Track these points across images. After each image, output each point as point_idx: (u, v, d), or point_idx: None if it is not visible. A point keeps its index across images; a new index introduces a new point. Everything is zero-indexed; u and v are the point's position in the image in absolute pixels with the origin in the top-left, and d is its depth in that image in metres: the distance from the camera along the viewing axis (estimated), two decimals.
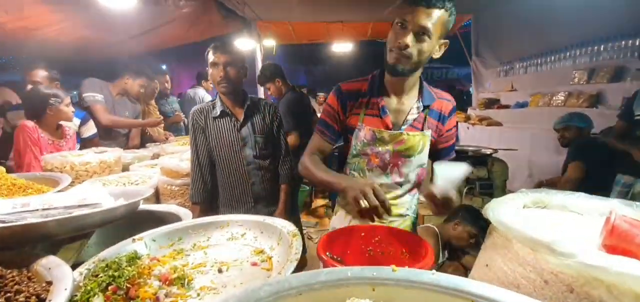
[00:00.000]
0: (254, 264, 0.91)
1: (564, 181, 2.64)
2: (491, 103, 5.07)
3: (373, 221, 1.00)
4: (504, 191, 2.71)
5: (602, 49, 3.34)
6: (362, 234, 1.11)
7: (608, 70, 3.15)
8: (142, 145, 3.21)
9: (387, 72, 1.24)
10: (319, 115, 3.67)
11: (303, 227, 3.45)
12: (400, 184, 1.31)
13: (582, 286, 0.70)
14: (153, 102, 3.60)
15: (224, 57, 1.62)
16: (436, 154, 1.36)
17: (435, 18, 1.09)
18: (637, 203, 0.95)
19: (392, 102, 1.28)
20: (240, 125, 1.72)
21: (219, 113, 1.71)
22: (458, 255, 2.09)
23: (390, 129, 1.26)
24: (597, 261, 0.67)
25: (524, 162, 3.77)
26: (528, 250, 0.82)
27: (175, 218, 1.37)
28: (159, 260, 0.93)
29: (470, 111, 5.56)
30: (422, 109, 1.28)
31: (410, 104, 1.28)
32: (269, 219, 1.05)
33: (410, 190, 1.35)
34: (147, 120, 3.29)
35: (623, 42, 3.11)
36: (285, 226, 0.97)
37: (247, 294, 0.61)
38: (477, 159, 2.77)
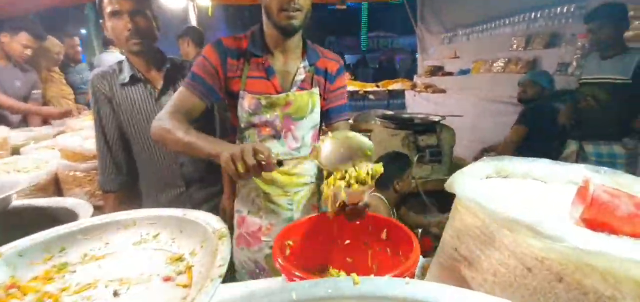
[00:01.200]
0: (167, 279, 0.67)
1: (505, 143, 2.77)
2: (436, 70, 5.16)
3: (258, 176, 0.86)
4: (451, 158, 2.73)
5: (538, 15, 3.48)
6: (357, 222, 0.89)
7: (544, 37, 3.29)
8: (45, 121, 2.64)
9: (279, 33, 1.10)
10: None
11: None
12: (297, 149, 1.21)
13: (572, 274, 0.59)
14: (57, 69, 2.96)
15: (128, 3, 1.23)
16: (326, 114, 1.28)
17: None
18: (605, 169, 0.89)
19: (277, 61, 1.16)
20: (159, 94, 1.38)
21: (128, 79, 1.34)
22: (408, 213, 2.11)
23: (278, 92, 1.15)
24: (591, 245, 0.56)
25: (467, 128, 3.90)
26: (505, 231, 0.70)
27: (71, 216, 1.06)
28: (20, 287, 0.64)
29: (416, 79, 5.63)
30: (308, 68, 1.19)
31: (295, 64, 1.18)
32: (191, 214, 0.80)
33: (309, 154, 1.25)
34: (48, 110, 2.66)
35: (558, 9, 3.24)
36: (211, 222, 0.74)
37: None
38: (426, 126, 2.74)
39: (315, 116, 1.22)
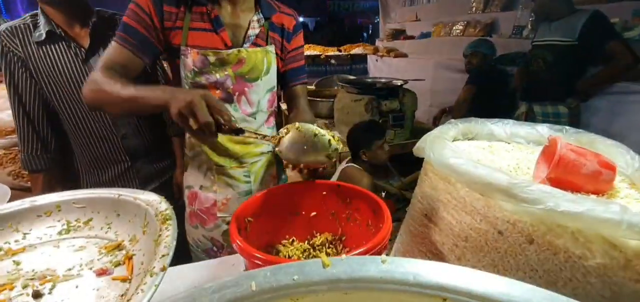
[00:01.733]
0: (102, 273, 0.57)
1: (457, 104, 2.89)
2: (397, 34, 5.12)
3: (213, 137, 0.74)
4: (413, 122, 2.76)
5: None
6: (324, 192, 0.84)
7: (501, 0, 3.34)
8: None
9: None
10: None
11: None
12: (253, 115, 1.07)
13: (544, 235, 0.58)
14: None
15: None
16: (283, 77, 1.15)
17: None
18: (567, 128, 0.89)
19: (225, 12, 1.00)
20: (87, 54, 1.17)
21: (45, 35, 1.11)
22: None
23: (228, 48, 0.99)
24: (568, 207, 0.54)
25: (427, 92, 3.95)
26: (477, 195, 0.68)
27: None
28: None
29: (378, 43, 5.57)
30: (262, 21, 1.05)
31: (247, 16, 1.03)
32: (128, 194, 0.68)
33: (266, 121, 1.12)
34: None
35: None
36: (153, 202, 0.63)
37: None
38: (389, 90, 2.72)
39: (272, 78, 1.09)
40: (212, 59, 0.97)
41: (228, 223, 1.09)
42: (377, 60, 5.09)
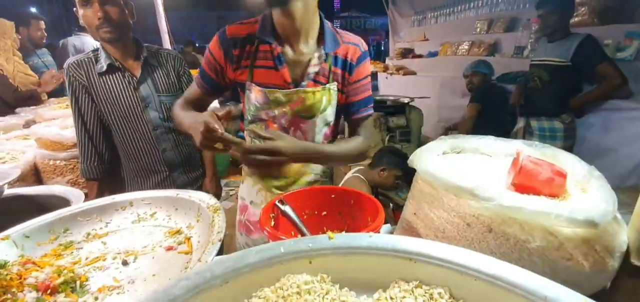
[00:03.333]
0: (170, 249, 0.77)
1: (462, 121, 3.03)
2: (406, 52, 5.34)
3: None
4: (419, 137, 2.93)
5: (499, 0, 3.70)
6: (332, 195, 1.01)
7: (504, 21, 3.53)
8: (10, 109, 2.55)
9: (270, 6, 0.99)
10: None
11: (232, 188, 3.33)
12: None
13: (499, 226, 0.76)
14: (19, 55, 2.83)
15: None
16: (346, 110, 1.16)
17: None
18: (536, 143, 1.06)
19: (288, 50, 1.05)
20: (138, 82, 1.42)
21: (105, 67, 1.36)
22: (385, 197, 2.25)
23: (288, 84, 1.05)
24: (512, 203, 0.72)
25: (434, 109, 4.12)
26: (452, 196, 0.86)
27: (62, 203, 1.12)
28: (35, 262, 0.72)
29: (388, 61, 5.80)
30: (324, 58, 1.06)
31: (309, 52, 1.05)
32: (183, 193, 0.90)
33: None
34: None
35: None
36: (204, 199, 0.84)
37: (157, 298, 0.49)
38: (397, 108, 2.91)
39: (329, 115, 1.11)
40: (272, 97, 1.04)
41: None
42: (387, 77, 5.30)
